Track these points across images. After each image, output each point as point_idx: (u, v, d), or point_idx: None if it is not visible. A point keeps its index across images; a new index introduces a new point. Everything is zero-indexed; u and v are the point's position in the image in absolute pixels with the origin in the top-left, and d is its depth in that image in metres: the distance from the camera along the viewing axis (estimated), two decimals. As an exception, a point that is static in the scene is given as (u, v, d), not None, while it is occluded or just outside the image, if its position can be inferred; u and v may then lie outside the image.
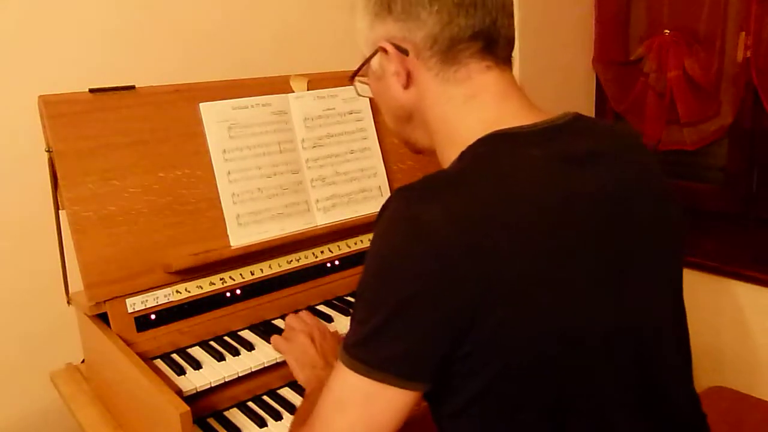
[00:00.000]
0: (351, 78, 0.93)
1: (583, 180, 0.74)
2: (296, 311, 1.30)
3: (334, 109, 1.40)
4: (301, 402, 1.05)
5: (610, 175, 0.77)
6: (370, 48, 0.85)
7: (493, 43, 0.80)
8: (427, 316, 0.69)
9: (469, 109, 0.81)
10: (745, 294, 1.91)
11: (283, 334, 1.16)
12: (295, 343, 1.12)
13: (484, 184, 0.71)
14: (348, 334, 0.75)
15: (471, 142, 0.77)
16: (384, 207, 0.74)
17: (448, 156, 0.80)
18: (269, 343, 1.18)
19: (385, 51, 0.82)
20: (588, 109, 2.43)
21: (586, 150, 0.78)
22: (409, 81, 0.83)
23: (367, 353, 0.71)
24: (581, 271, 0.72)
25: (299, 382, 1.08)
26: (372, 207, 1.41)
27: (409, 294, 0.69)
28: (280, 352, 1.13)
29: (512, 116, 0.79)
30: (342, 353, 0.74)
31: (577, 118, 0.82)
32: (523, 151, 0.75)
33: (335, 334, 1.16)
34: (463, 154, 0.76)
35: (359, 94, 0.95)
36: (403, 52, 0.81)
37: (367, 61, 0.86)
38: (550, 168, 0.74)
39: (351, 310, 1.28)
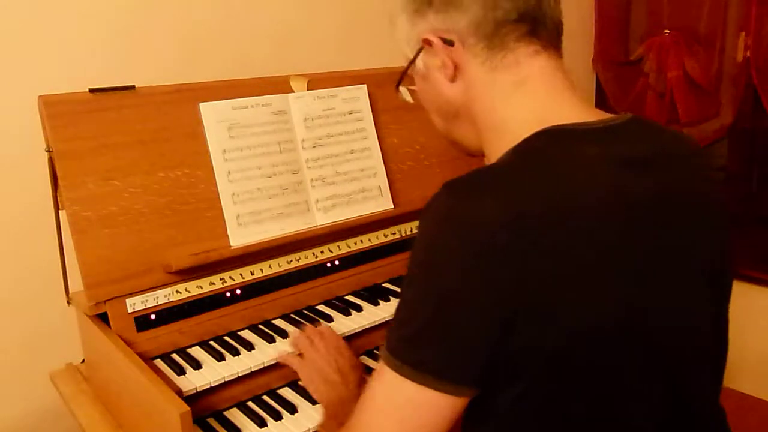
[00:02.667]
0: (397, 85, 0.92)
1: (637, 185, 0.72)
2: (297, 312, 1.30)
3: (334, 109, 1.40)
4: (322, 421, 1.03)
5: (664, 182, 0.75)
6: (413, 47, 0.84)
7: (540, 26, 0.78)
8: (477, 314, 0.67)
9: (519, 97, 0.78)
10: (745, 294, 1.91)
11: (293, 346, 1.13)
12: (308, 359, 1.08)
13: (538, 180, 0.69)
14: (391, 334, 0.72)
15: (522, 133, 0.74)
16: (432, 201, 0.71)
17: (497, 148, 0.78)
18: (269, 343, 1.18)
19: (429, 44, 0.80)
20: (588, 109, 2.42)
21: (642, 154, 0.76)
22: (456, 73, 0.81)
23: (414, 355, 0.69)
24: (626, 273, 0.70)
25: (315, 398, 1.05)
26: (372, 207, 1.41)
27: (459, 290, 0.67)
28: (294, 369, 1.10)
29: (565, 109, 0.77)
30: (387, 355, 0.71)
31: (635, 120, 0.80)
32: (579, 149, 0.73)
33: (350, 349, 1.12)
34: (516, 148, 0.74)
35: (404, 100, 0.94)
36: (448, 43, 0.79)
37: (413, 61, 0.84)
38: (605, 170, 0.72)
39: (348, 306, 1.28)
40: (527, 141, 0.74)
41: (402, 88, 0.93)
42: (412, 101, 0.94)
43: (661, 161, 0.77)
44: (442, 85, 0.83)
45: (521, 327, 0.67)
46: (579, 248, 0.67)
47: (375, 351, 1.28)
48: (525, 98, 0.78)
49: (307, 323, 1.23)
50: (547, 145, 0.73)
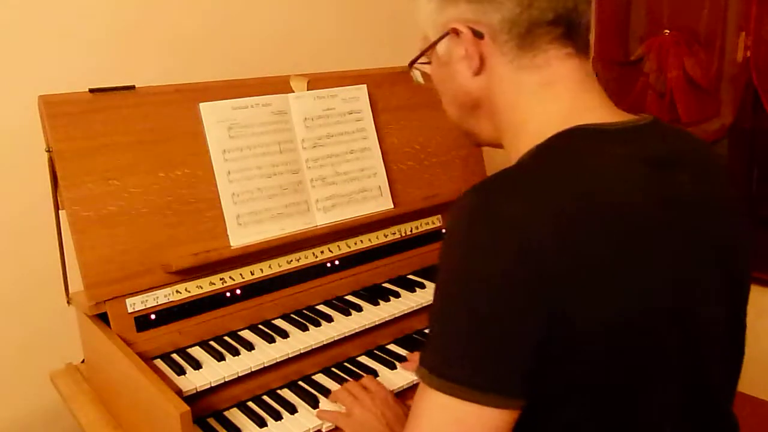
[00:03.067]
0: (411, 63, 0.89)
1: (663, 184, 0.72)
2: (297, 311, 1.30)
3: (334, 109, 1.40)
4: None
5: (688, 183, 0.74)
6: (437, 32, 0.80)
7: (574, 29, 0.76)
8: (518, 318, 0.64)
9: (545, 98, 0.77)
10: (745, 294, 1.91)
11: (337, 400, 1.09)
12: (353, 416, 1.03)
13: (566, 179, 0.68)
14: (428, 351, 0.69)
15: (546, 133, 0.73)
16: (459, 206, 0.69)
17: (517, 148, 0.76)
18: (269, 343, 1.18)
19: (457, 33, 0.78)
20: (588, 109, 2.42)
21: (667, 154, 0.75)
22: (481, 66, 0.78)
23: (456, 370, 0.65)
24: (657, 272, 0.69)
25: None
26: (372, 207, 1.41)
27: (497, 295, 0.64)
28: (339, 426, 1.05)
29: (590, 110, 0.76)
30: (426, 374, 0.67)
31: (657, 122, 0.79)
32: (606, 148, 0.72)
33: (396, 399, 1.07)
34: (540, 148, 0.72)
35: (416, 82, 0.91)
36: (478, 35, 0.77)
37: (434, 45, 0.81)
38: (632, 168, 0.71)
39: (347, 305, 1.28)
40: (552, 140, 0.73)
41: (415, 70, 0.91)
42: (423, 83, 0.91)
43: (687, 163, 0.77)
44: (464, 76, 0.80)
45: (562, 327, 0.65)
46: (613, 247, 0.66)
47: (375, 351, 1.28)
48: (551, 99, 0.77)
49: (308, 323, 1.23)
50: (574, 144, 0.72)
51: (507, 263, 0.64)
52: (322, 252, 1.35)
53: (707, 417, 0.79)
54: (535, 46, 0.76)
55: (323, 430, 1.06)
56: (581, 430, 0.72)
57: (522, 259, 0.63)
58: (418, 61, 0.88)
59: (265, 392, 1.15)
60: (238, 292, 1.25)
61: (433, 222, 1.53)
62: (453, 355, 0.66)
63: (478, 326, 0.65)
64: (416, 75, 0.92)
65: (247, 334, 1.22)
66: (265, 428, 1.05)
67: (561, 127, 0.73)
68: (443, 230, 1.54)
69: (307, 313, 1.29)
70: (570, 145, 0.72)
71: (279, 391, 1.16)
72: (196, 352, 1.16)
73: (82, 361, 1.33)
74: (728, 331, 0.81)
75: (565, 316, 0.65)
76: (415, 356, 1.22)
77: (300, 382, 1.18)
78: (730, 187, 0.81)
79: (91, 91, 1.17)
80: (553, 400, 0.70)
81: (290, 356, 1.16)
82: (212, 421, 1.07)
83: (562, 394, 0.69)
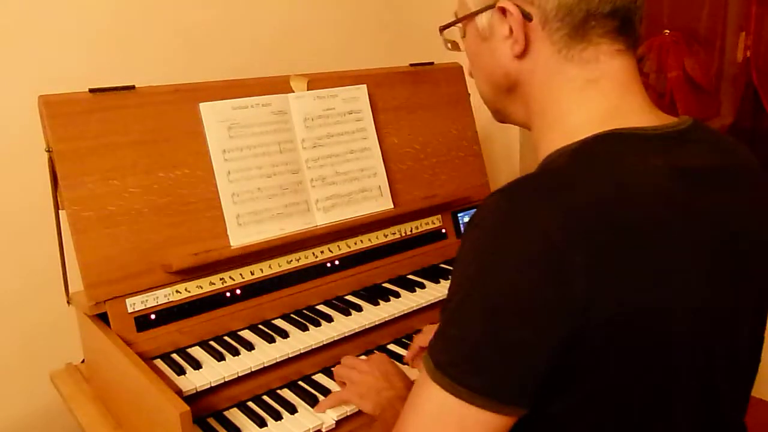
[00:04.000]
0: (442, 29, 0.85)
1: (701, 199, 0.69)
2: (297, 311, 1.30)
3: (334, 109, 1.40)
4: (373, 428, 1.00)
5: (727, 197, 0.72)
6: (481, 2, 0.76)
7: (629, 24, 0.73)
8: (539, 329, 0.62)
9: (588, 95, 0.73)
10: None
11: (336, 382, 1.14)
12: (353, 383, 1.06)
13: (601, 191, 0.65)
14: (437, 348, 0.68)
15: (583, 132, 0.70)
16: (484, 208, 0.67)
17: (551, 141, 0.74)
18: (269, 343, 1.18)
19: (504, 12, 0.73)
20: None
21: (707, 166, 0.72)
22: (525, 50, 0.74)
23: (468, 375, 0.64)
24: (678, 290, 0.67)
25: (368, 412, 1.01)
26: (372, 207, 1.41)
27: (518, 305, 0.62)
28: (342, 400, 1.08)
29: (632, 113, 0.73)
30: (434, 370, 0.66)
31: (696, 126, 0.76)
32: (644, 158, 0.68)
33: (384, 356, 1.10)
34: (577, 152, 0.69)
35: (447, 47, 0.87)
36: (527, 17, 0.72)
37: (474, 15, 0.77)
38: (669, 182, 0.68)
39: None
40: (588, 144, 0.70)
41: (445, 38, 0.86)
42: (450, 49, 0.87)
43: (724, 175, 0.74)
44: (505, 56, 0.76)
45: (584, 341, 0.63)
46: (641, 264, 0.64)
47: (375, 351, 1.28)
48: (595, 97, 0.74)
49: (308, 323, 1.23)
50: (611, 151, 0.69)
51: (531, 274, 0.62)
52: (322, 252, 1.35)
53: (719, 425, 0.78)
54: (586, 38, 0.72)
55: (323, 430, 1.06)
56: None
57: (547, 272, 0.61)
58: (451, 26, 0.83)
59: (265, 392, 1.15)
60: (238, 292, 1.25)
61: (433, 222, 1.53)
62: (462, 356, 0.65)
63: (493, 334, 0.64)
64: (445, 42, 0.87)
65: (247, 334, 1.22)
66: (265, 428, 1.05)
67: (600, 128, 0.70)
68: (443, 230, 1.54)
69: (307, 313, 1.29)
70: (607, 152, 0.69)
71: (279, 391, 1.16)
72: (196, 352, 1.16)
73: (82, 361, 1.33)
74: (748, 350, 0.80)
75: (586, 334, 0.63)
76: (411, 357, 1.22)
77: (300, 382, 1.18)
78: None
79: (91, 91, 1.17)
80: (563, 411, 0.69)
81: (290, 356, 1.16)
82: (212, 421, 1.07)
83: (574, 405, 0.68)
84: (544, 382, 0.65)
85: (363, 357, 1.17)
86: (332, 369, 1.17)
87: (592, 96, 0.73)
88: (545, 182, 0.68)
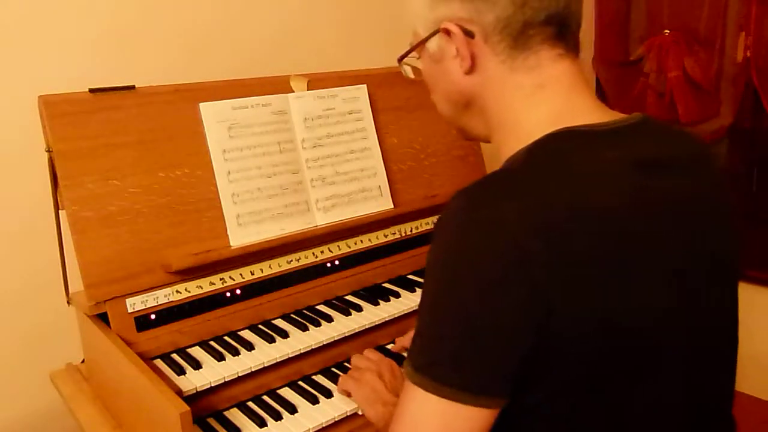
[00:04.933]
0: (400, 59, 0.89)
1: (653, 187, 0.72)
2: (297, 311, 1.30)
3: (334, 109, 1.40)
4: None
5: (682, 185, 0.75)
6: (428, 28, 0.80)
7: (566, 29, 0.76)
8: (508, 319, 0.65)
9: (538, 100, 0.77)
10: (745, 294, 1.91)
11: (349, 373, 1.13)
12: (363, 381, 1.07)
13: (558, 184, 0.68)
14: (415, 351, 0.70)
15: (537, 135, 0.73)
16: (447, 210, 0.69)
17: (509, 147, 0.76)
18: (269, 343, 1.18)
19: (448, 33, 0.77)
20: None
21: (658, 156, 0.75)
22: (473, 66, 0.78)
23: (447, 372, 0.66)
24: (649, 276, 0.70)
25: (371, 420, 1.01)
26: (372, 207, 1.41)
27: (487, 301, 0.64)
28: (348, 391, 1.09)
29: (582, 111, 0.76)
30: (414, 374, 0.68)
31: (647, 120, 0.79)
32: (596, 151, 0.72)
33: (397, 370, 1.11)
34: (530, 150, 0.72)
35: (406, 76, 0.91)
36: (469, 34, 0.76)
37: (423, 42, 0.81)
38: (625, 173, 0.71)
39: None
40: (542, 142, 0.73)
41: (405, 65, 0.91)
42: (413, 77, 0.92)
43: (677, 163, 0.77)
44: (456, 74, 0.80)
45: (550, 332, 0.65)
46: (603, 253, 0.67)
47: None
48: (543, 101, 0.77)
49: (308, 323, 1.23)
50: (564, 147, 0.72)
51: (497, 268, 0.64)
52: (322, 252, 1.35)
53: (705, 418, 0.79)
54: (527, 46, 0.76)
55: (323, 429, 1.06)
56: (568, 429, 0.72)
57: (511, 265, 0.64)
58: (408, 56, 0.88)
59: (265, 392, 1.15)
60: (238, 292, 1.25)
61: (433, 222, 1.53)
62: (437, 354, 0.67)
63: (464, 328, 0.66)
64: (406, 70, 0.92)
65: (247, 334, 1.22)
66: (265, 428, 1.05)
67: (552, 128, 0.73)
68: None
69: (307, 313, 1.29)
70: (560, 148, 0.72)
71: (279, 391, 1.16)
72: (196, 352, 1.16)
73: (82, 361, 1.33)
74: (723, 331, 0.81)
75: (553, 321, 0.65)
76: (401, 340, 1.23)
77: (300, 382, 1.18)
78: (723, 185, 0.81)
79: (91, 91, 1.18)
80: (541, 401, 0.70)
81: (290, 356, 1.16)
82: (212, 421, 1.08)
83: (550, 394, 0.70)
84: (520, 372, 0.67)
85: (368, 355, 1.17)
86: (344, 363, 1.17)
87: (540, 100, 0.77)
88: (501, 180, 0.71)
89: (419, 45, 0.83)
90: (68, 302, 1.27)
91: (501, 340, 0.65)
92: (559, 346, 0.66)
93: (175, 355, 1.15)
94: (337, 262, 1.37)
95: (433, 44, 0.81)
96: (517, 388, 0.68)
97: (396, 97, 1.52)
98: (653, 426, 0.74)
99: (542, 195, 0.67)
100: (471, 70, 0.79)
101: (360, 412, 1.07)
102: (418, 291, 1.37)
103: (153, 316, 1.16)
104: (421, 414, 0.68)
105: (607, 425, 0.72)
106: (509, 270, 0.64)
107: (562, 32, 0.76)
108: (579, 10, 0.79)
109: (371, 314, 1.28)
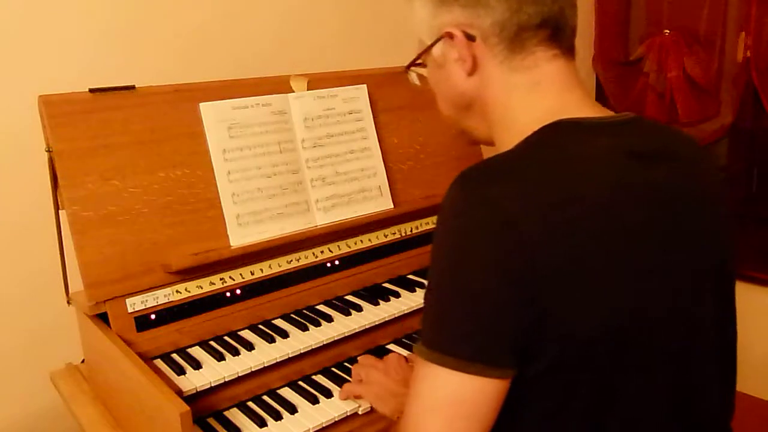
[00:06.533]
0: (407, 67, 0.94)
1: (645, 176, 0.75)
2: (297, 311, 1.30)
3: (334, 109, 1.40)
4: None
5: (671, 176, 0.77)
6: (432, 35, 0.85)
7: (560, 32, 0.81)
8: (510, 293, 0.68)
9: (534, 97, 0.81)
10: (745, 294, 1.91)
11: (353, 378, 1.14)
12: (370, 382, 1.08)
13: (552, 168, 0.72)
14: (428, 330, 0.73)
15: (534, 128, 0.77)
16: (447, 193, 0.73)
17: (508, 141, 0.79)
18: (269, 343, 1.18)
19: (451, 37, 0.82)
20: (588, 109, 2.43)
21: (650, 148, 0.78)
22: (474, 67, 0.82)
23: (454, 345, 0.69)
24: (636, 264, 0.72)
25: (387, 415, 1.02)
26: (372, 207, 1.41)
27: (488, 277, 0.68)
28: (357, 396, 1.10)
29: (576, 107, 0.80)
30: (425, 351, 0.71)
31: (639, 118, 0.83)
32: (590, 139, 0.76)
33: (404, 359, 1.13)
34: (528, 139, 0.76)
35: (413, 83, 0.96)
36: (470, 38, 0.81)
37: (429, 48, 0.86)
38: (617, 160, 0.74)
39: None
40: (539, 132, 0.76)
41: (412, 73, 0.95)
42: (419, 84, 0.96)
43: (668, 157, 0.79)
44: (458, 77, 0.84)
45: (544, 306, 0.68)
46: (593, 235, 0.69)
47: (375, 351, 1.27)
48: (539, 98, 0.81)
49: (308, 323, 1.23)
50: (559, 135, 0.76)
51: (493, 246, 0.68)
52: (322, 252, 1.35)
53: (695, 420, 0.80)
54: (524, 48, 0.80)
55: (323, 429, 1.06)
56: (561, 417, 0.74)
57: (507, 242, 0.67)
58: (415, 63, 0.92)
59: (265, 392, 1.15)
60: (238, 292, 1.25)
61: (433, 222, 1.53)
62: (447, 329, 0.71)
63: (469, 302, 0.69)
64: (413, 77, 0.96)
65: (247, 334, 1.22)
66: (265, 428, 1.05)
67: (547, 122, 0.76)
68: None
69: (307, 313, 1.29)
70: (555, 136, 0.76)
71: (279, 391, 1.16)
72: (196, 352, 1.16)
73: (82, 361, 1.33)
74: (717, 326, 0.82)
75: (548, 301, 0.68)
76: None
77: (300, 382, 1.18)
78: (717, 182, 0.84)
79: (91, 91, 1.18)
80: (537, 380, 0.72)
81: (290, 356, 1.16)
82: (212, 421, 1.08)
83: (546, 374, 0.72)
84: (522, 343, 0.69)
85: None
86: (344, 363, 1.17)
87: (536, 98, 0.81)
88: (497, 163, 0.75)
89: (425, 52, 0.87)
90: (68, 302, 1.27)
91: (502, 314, 0.68)
92: (553, 320, 0.69)
93: (175, 355, 1.15)
94: (337, 262, 1.37)
95: (437, 50, 0.85)
96: (521, 359, 0.70)
97: (396, 97, 1.52)
98: (635, 423, 0.75)
99: (537, 176, 0.71)
100: (472, 71, 0.83)
101: (358, 411, 1.07)
102: (418, 291, 1.37)
103: (153, 316, 1.16)
104: (435, 388, 0.70)
105: (595, 411, 0.74)
106: (505, 247, 0.67)
107: (557, 35, 0.81)
108: (574, 14, 0.83)
109: (371, 314, 1.28)
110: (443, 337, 0.71)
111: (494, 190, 0.69)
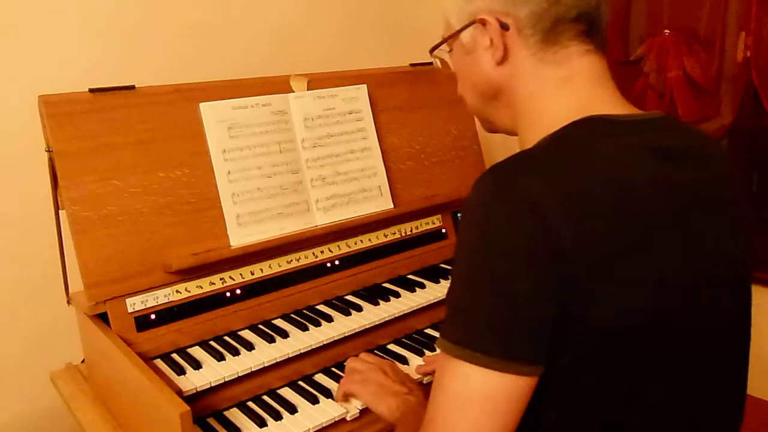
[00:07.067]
0: (432, 49, 0.93)
1: (672, 174, 0.74)
2: (297, 311, 1.30)
3: (334, 109, 1.40)
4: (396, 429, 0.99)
5: (700, 177, 0.77)
6: (463, 20, 0.84)
7: (595, 27, 0.80)
8: (539, 289, 0.67)
9: (564, 92, 0.80)
10: (745, 294, 1.90)
11: (347, 375, 1.12)
12: (368, 379, 1.07)
13: (581, 163, 0.71)
14: (451, 327, 0.72)
15: (560, 124, 0.76)
16: (476, 186, 0.72)
17: (535, 136, 0.79)
18: (269, 343, 1.18)
19: (483, 24, 0.81)
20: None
21: (678, 147, 0.78)
22: (504, 57, 0.81)
23: (483, 341, 0.68)
24: (662, 260, 0.72)
25: (383, 415, 1.00)
26: (372, 207, 1.41)
27: (517, 270, 0.67)
28: (354, 394, 1.08)
29: (605, 104, 0.79)
30: (453, 347, 0.70)
31: (668, 117, 0.83)
32: (618, 136, 0.75)
33: (396, 366, 1.13)
34: (556, 133, 0.76)
35: (437, 67, 0.95)
36: (504, 26, 0.80)
37: (458, 33, 0.84)
38: (643, 157, 0.74)
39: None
40: (567, 128, 0.76)
41: (435, 57, 0.94)
42: (440, 67, 0.95)
43: (696, 157, 0.79)
44: (487, 64, 0.83)
45: (573, 305, 0.68)
46: (620, 231, 0.69)
47: (375, 351, 1.27)
48: (569, 93, 0.80)
49: (308, 323, 1.23)
50: (587, 131, 0.75)
51: (525, 240, 0.67)
52: (322, 252, 1.35)
53: (704, 415, 0.80)
54: (557, 41, 0.79)
55: (323, 429, 1.06)
56: (580, 416, 0.74)
57: (539, 237, 0.66)
58: (439, 48, 0.91)
59: (265, 392, 1.15)
60: (238, 292, 1.25)
61: (433, 222, 1.53)
62: (474, 325, 0.69)
63: (498, 297, 0.68)
64: (436, 62, 0.95)
65: (247, 334, 1.22)
66: (265, 428, 1.05)
67: (575, 118, 0.76)
68: (443, 230, 1.54)
69: (307, 313, 1.29)
70: (584, 132, 0.75)
71: (279, 391, 1.16)
72: (196, 352, 1.16)
73: (82, 361, 1.33)
74: (734, 329, 0.82)
75: (578, 292, 0.67)
76: (430, 359, 1.22)
77: (300, 382, 1.18)
78: (736, 182, 0.83)
79: (91, 91, 1.18)
80: (560, 377, 0.71)
81: (290, 356, 1.16)
82: (212, 421, 1.07)
83: (569, 370, 0.71)
84: (551, 338, 0.68)
85: (365, 357, 1.16)
86: (344, 363, 1.16)
87: (566, 92, 0.80)
88: (528, 158, 0.74)
89: (453, 36, 0.86)
90: (68, 302, 1.27)
91: (532, 309, 0.68)
92: (579, 312, 0.68)
93: (175, 355, 1.15)
94: (337, 262, 1.37)
95: (466, 35, 0.84)
96: (550, 354, 0.70)
97: (396, 97, 1.52)
98: (651, 417, 0.75)
99: (564, 173, 0.70)
100: (502, 60, 0.81)
101: (352, 412, 1.07)
102: (419, 291, 1.37)
103: (153, 316, 1.16)
104: (461, 386, 0.69)
105: (613, 411, 0.73)
106: (536, 243, 0.66)
107: (591, 30, 0.80)
108: (607, 11, 0.82)
109: (371, 314, 1.28)
110: (472, 332, 0.69)
111: (527, 186, 0.68)
